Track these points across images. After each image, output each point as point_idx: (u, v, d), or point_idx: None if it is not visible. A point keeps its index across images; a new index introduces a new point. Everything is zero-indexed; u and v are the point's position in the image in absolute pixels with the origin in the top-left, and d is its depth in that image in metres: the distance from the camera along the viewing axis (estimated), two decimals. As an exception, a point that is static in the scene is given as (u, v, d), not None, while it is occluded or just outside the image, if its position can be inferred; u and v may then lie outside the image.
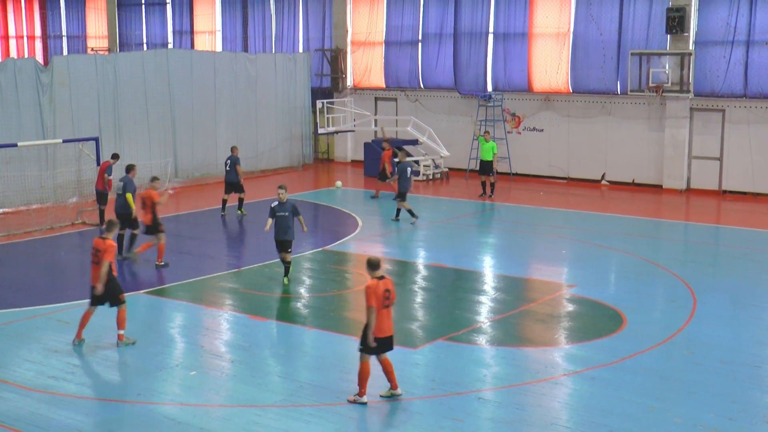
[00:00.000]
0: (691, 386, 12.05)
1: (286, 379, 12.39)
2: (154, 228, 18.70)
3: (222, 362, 13.10)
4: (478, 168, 28.19)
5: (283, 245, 17.32)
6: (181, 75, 29.72)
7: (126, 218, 19.09)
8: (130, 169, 19.79)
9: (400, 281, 17.84)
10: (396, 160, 25.90)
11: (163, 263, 18.68)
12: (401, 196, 23.28)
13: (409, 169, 23.55)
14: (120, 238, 19.14)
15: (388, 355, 11.61)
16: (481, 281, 18.02)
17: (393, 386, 11.69)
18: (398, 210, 23.47)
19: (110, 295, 13.73)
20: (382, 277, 11.54)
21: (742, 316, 15.44)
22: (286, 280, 17.31)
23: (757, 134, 27.31)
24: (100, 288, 13.53)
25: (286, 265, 17.41)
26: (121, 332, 13.82)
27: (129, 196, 19.01)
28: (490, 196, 27.03)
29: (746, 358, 13.13)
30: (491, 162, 27.04)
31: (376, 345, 11.42)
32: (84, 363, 12.95)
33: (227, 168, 23.80)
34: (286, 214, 17.17)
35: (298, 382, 12.23)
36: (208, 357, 13.30)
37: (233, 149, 24.25)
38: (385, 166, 26.61)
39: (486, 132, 28.08)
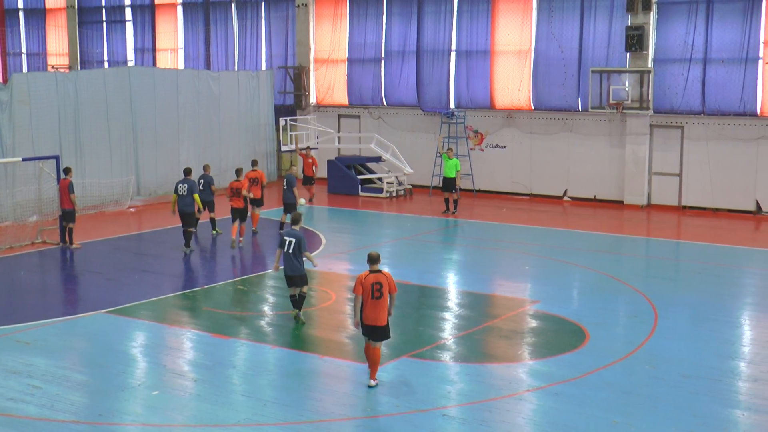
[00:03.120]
0: (654, 401, 12.14)
1: (249, 398, 12.31)
2: (261, 201, 23.66)
3: (185, 381, 12.99)
4: (441, 185, 28.30)
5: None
6: (143, 93, 29.56)
7: (189, 217, 21.59)
8: (188, 172, 22.13)
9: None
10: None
11: (256, 231, 23.82)
12: (285, 207, 23.67)
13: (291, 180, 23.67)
14: (187, 234, 21.77)
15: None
16: (445, 298, 18.05)
17: (371, 375, 12.66)
18: (281, 223, 23.87)
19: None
20: (377, 271, 12.53)
21: (702, 330, 15.60)
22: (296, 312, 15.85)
23: (715, 150, 27.69)
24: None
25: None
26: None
27: (197, 196, 21.66)
28: (454, 212, 27.13)
29: (707, 371, 13.26)
30: (454, 179, 27.17)
31: (360, 328, 12.73)
32: (44, 384, 12.77)
33: (200, 188, 22.88)
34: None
35: (262, 401, 12.16)
36: (170, 376, 13.18)
37: (206, 168, 23.91)
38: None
39: (449, 149, 28.21)
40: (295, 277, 15.61)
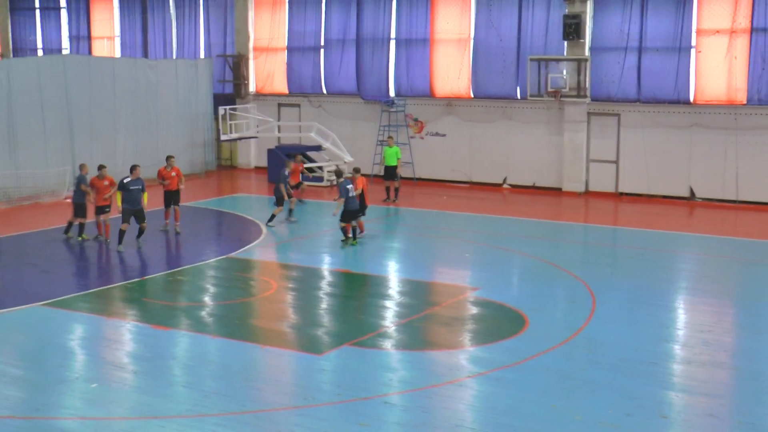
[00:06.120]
0: (591, 384, 12.32)
1: (190, 389, 12.22)
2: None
3: (124, 374, 12.84)
4: (382, 173, 28.33)
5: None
6: (79, 81, 29.07)
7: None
8: (82, 167, 21.95)
9: (305, 288, 17.83)
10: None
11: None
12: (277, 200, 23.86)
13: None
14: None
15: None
16: (386, 286, 18.10)
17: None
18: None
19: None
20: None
21: (638, 314, 15.87)
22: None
23: (651, 138, 28.15)
24: None
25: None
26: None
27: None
28: (395, 200, 27.19)
29: (643, 355, 13.49)
30: (395, 167, 27.26)
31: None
32: (-21, 379, 12.52)
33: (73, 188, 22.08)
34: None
35: (202, 392, 12.07)
36: (109, 369, 13.02)
37: (82, 167, 22.16)
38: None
39: (389, 137, 28.25)
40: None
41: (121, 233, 20.38)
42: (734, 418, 11.27)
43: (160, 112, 32.10)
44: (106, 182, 21.35)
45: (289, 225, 23.72)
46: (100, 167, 21.60)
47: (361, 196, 21.64)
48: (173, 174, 22.78)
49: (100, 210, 21.38)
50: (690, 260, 20.71)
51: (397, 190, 27.44)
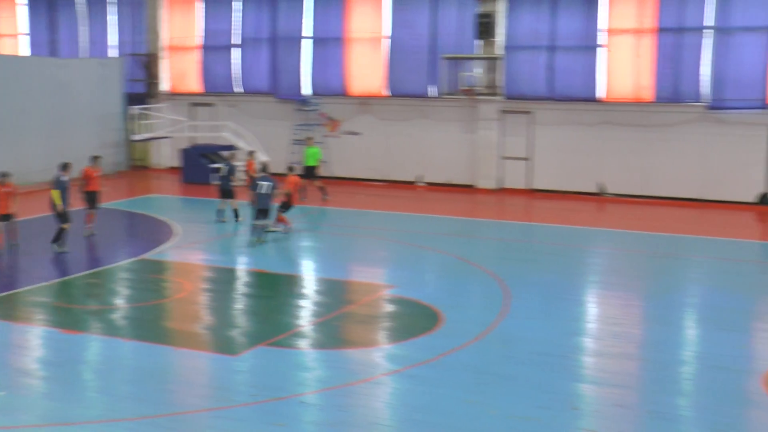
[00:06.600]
0: (506, 379, 12.47)
1: (102, 394, 11.98)
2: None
3: (32, 380, 12.52)
4: (302, 173, 28.18)
5: None
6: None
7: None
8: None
9: (220, 288, 17.66)
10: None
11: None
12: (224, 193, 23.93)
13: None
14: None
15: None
16: (302, 285, 18.05)
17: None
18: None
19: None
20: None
21: (552, 309, 16.13)
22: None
23: (563, 135, 28.65)
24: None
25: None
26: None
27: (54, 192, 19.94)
28: (325, 199, 26.98)
29: (557, 349, 13.72)
30: (315, 167, 27.26)
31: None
32: None
33: None
34: None
35: (115, 396, 11.85)
36: (17, 376, 12.66)
37: None
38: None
39: (309, 138, 28.18)
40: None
41: (64, 232, 19.93)
42: (643, 408, 11.56)
43: (71, 112, 31.39)
44: (6, 189, 20.17)
45: (207, 225, 23.44)
46: (4, 174, 20.30)
47: (288, 196, 21.93)
48: (95, 174, 22.23)
49: (1, 218, 20.26)
50: (601, 255, 21.16)
51: (323, 188, 27.29)
